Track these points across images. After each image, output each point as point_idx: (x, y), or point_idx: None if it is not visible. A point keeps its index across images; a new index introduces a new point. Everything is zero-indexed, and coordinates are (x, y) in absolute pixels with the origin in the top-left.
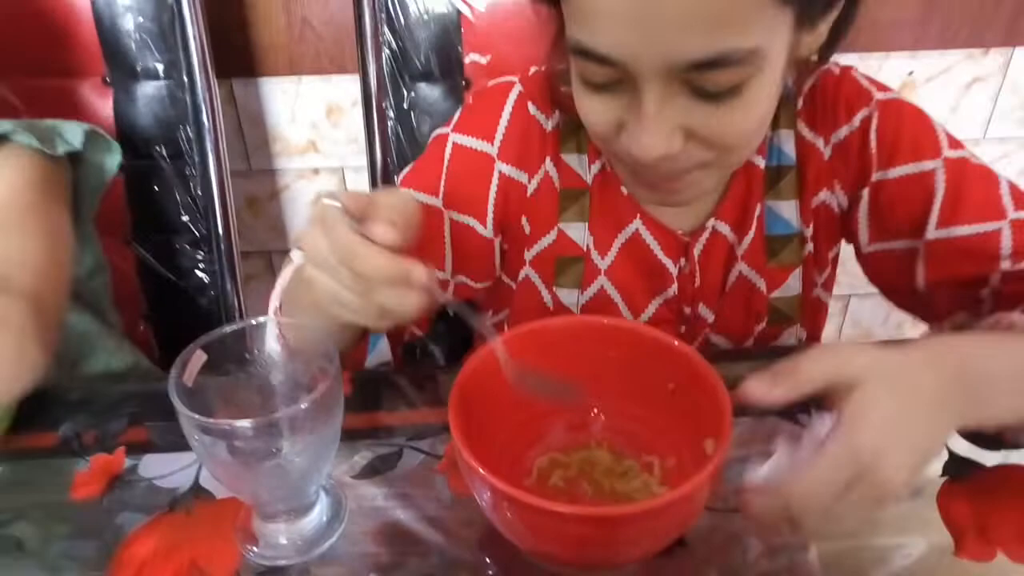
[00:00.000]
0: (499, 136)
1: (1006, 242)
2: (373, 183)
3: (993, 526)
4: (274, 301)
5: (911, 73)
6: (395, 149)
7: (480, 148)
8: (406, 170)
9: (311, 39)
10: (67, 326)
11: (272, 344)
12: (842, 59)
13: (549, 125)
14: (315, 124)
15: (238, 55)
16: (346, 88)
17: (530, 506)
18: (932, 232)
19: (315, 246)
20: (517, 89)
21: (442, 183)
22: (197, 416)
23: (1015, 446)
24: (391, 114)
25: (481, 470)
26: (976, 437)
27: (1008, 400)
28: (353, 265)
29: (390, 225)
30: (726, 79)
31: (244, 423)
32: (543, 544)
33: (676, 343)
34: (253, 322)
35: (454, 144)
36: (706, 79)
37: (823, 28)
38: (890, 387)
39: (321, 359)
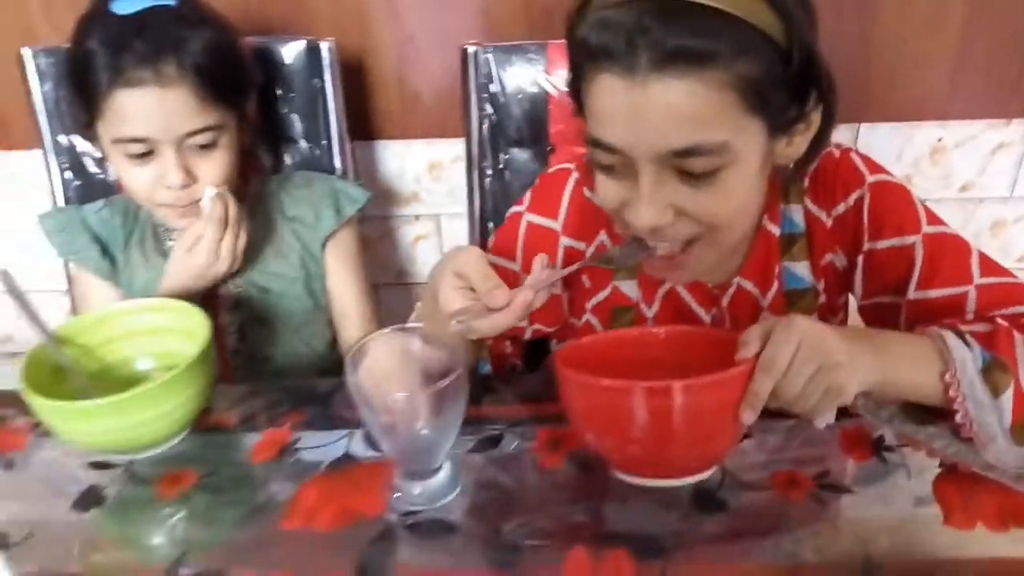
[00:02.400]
0: (561, 215)
1: (971, 304)
2: (472, 229)
3: (975, 505)
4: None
5: (940, 139)
6: (491, 202)
7: (547, 225)
8: (491, 239)
9: (420, 110)
10: None
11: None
12: (879, 128)
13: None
14: (418, 178)
15: (361, 123)
16: (445, 149)
17: (613, 387)
18: (912, 293)
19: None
20: (574, 176)
21: (519, 252)
22: (371, 392)
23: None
24: (489, 172)
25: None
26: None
27: (908, 371)
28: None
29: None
30: (703, 165)
31: (398, 395)
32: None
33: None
34: (402, 328)
35: (528, 222)
36: (688, 164)
37: (800, 141)
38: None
39: (450, 362)
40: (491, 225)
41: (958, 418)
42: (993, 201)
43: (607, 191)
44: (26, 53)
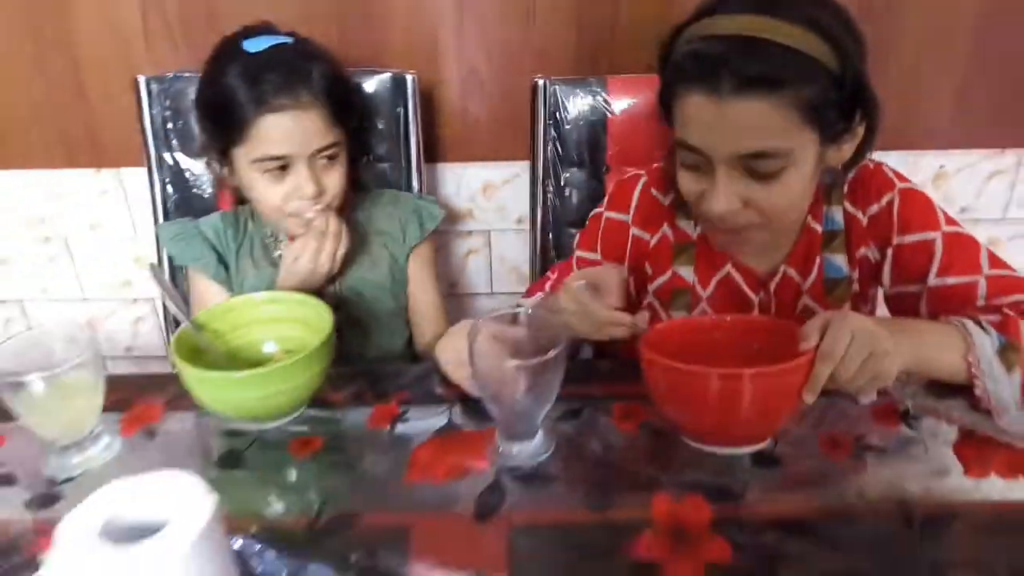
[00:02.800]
0: (632, 210)
1: (982, 290)
2: (533, 239)
3: (989, 459)
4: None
5: (942, 167)
6: (551, 216)
7: (621, 218)
8: (578, 238)
9: (478, 136)
10: None
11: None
12: (890, 156)
13: (666, 201)
14: (473, 197)
15: (426, 146)
16: (498, 171)
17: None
18: (932, 280)
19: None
20: (643, 179)
21: (599, 244)
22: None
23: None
24: (550, 190)
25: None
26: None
27: (937, 353)
28: (599, 319)
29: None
30: (768, 167)
31: (512, 362)
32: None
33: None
34: (516, 309)
35: (606, 219)
36: (756, 165)
37: (847, 149)
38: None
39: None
40: (550, 236)
41: (978, 392)
42: (989, 222)
43: (688, 184)
44: (140, 80)
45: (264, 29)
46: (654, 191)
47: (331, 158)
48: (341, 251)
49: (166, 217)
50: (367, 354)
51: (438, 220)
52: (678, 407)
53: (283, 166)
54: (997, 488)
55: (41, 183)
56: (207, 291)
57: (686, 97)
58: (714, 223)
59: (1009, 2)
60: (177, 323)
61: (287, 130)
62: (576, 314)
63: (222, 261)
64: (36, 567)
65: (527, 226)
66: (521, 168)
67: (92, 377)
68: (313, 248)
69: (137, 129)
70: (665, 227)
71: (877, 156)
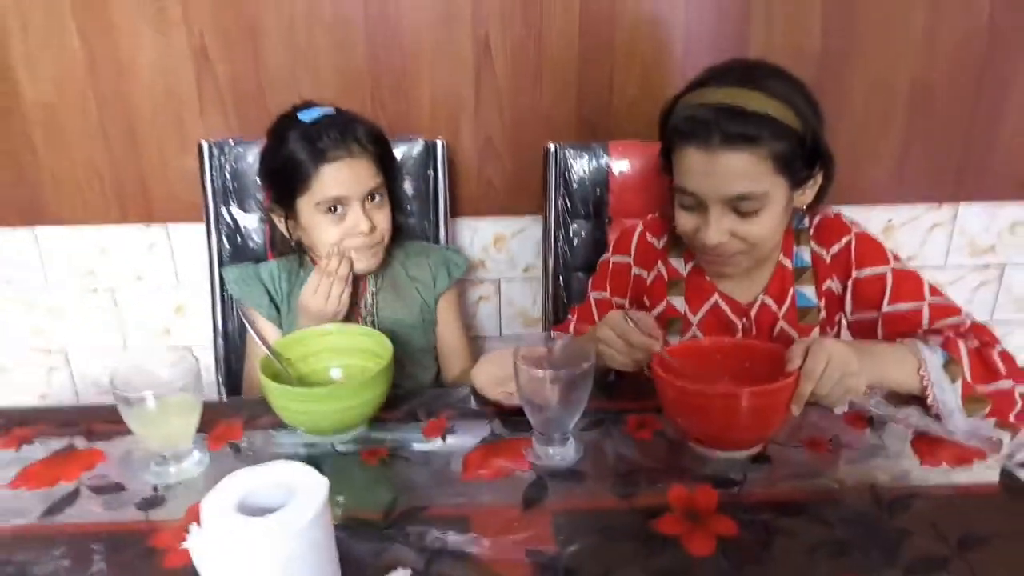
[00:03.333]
0: (632, 253)
1: (926, 315)
2: (545, 282)
3: (939, 452)
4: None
5: (890, 220)
6: (561, 262)
7: (623, 261)
8: (590, 282)
9: (491, 194)
10: None
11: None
12: (845, 208)
13: (659, 244)
14: (485, 248)
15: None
16: (508, 225)
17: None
18: (885, 307)
19: (609, 338)
20: (640, 228)
21: (607, 283)
22: (529, 369)
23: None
24: (561, 239)
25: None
26: None
27: (895, 370)
28: (631, 340)
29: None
30: (750, 206)
31: (548, 372)
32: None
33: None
34: (551, 341)
35: (612, 263)
36: (740, 205)
37: (810, 193)
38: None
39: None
40: (560, 279)
41: (929, 400)
42: (933, 268)
43: (686, 222)
44: (204, 144)
45: (311, 104)
46: (649, 236)
47: (379, 197)
48: (345, 294)
49: (220, 265)
50: (402, 385)
51: (463, 269)
52: (686, 418)
53: (339, 207)
54: (946, 474)
55: (94, 238)
56: (261, 328)
57: (684, 151)
58: (708, 252)
59: (936, 82)
60: (227, 362)
61: (343, 176)
62: (611, 341)
63: (274, 302)
64: (150, 556)
65: (534, 274)
66: (528, 222)
67: (192, 398)
68: (316, 285)
69: (186, 187)
70: (659, 265)
71: (834, 208)
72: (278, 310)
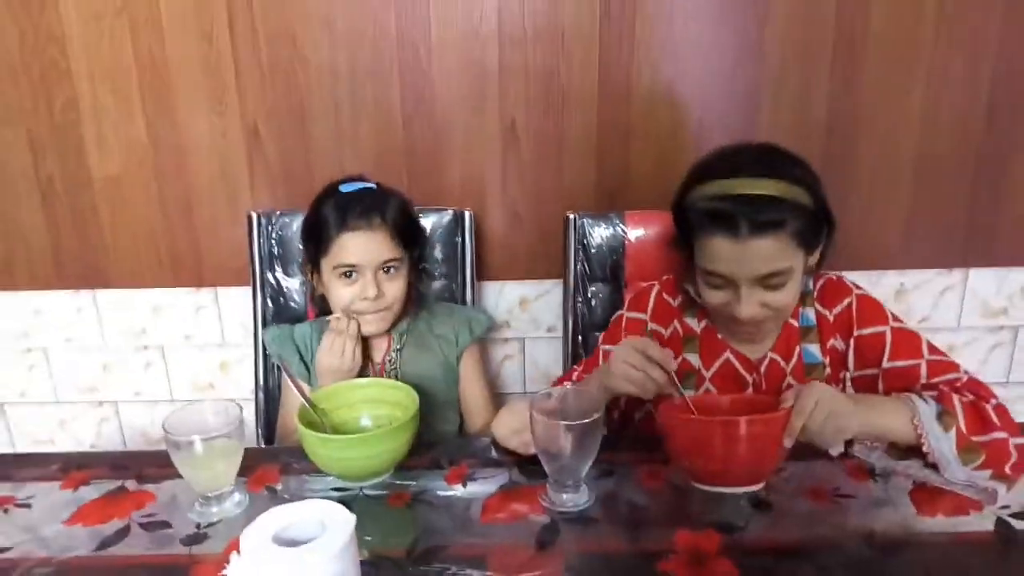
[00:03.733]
0: (649, 310)
1: (924, 371)
2: (565, 342)
3: (936, 503)
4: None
5: (902, 283)
6: (580, 322)
7: (639, 317)
8: (602, 337)
9: (515, 260)
10: None
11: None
12: (856, 275)
13: (675, 303)
14: (510, 310)
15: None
16: (532, 288)
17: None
18: (885, 363)
19: (628, 353)
20: (656, 287)
21: (623, 336)
22: (545, 419)
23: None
24: (580, 301)
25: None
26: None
27: (890, 420)
28: (650, 354)
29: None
30: (778, 281)
31: (562, 423)
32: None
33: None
34: (550, 390)
35: (627, 318)
36: (769, 281)
37: (816, 255)
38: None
39: (592, 410)
40: (580, 338)
41: (924, 448)
42: (946, 330)
43: (716, 298)
44: (252, 215)
45: (358, 178)
46: (665, 295)
47: (393, 270)
48: (357, 351)
49: (264, 325)
50: (427, 436)
51: (484, 327)
52: (690, 453)
53: (354, 273)
54: (941, 523)
55: (147, 299)
56: (290, 385)
57: (712, 240)
58: (738, 323)
59: (938, 155)
60: (267, 414)
61: (359, 245)
62: (629, 355)
63: (303, 361)
64: None
65: (556, 334)
66: (551, 285)
67: (235, 443)
68: (329, 343)
69: (234, 254)
70: (675, 322)
71: (846, 275)
72: (308, 368)
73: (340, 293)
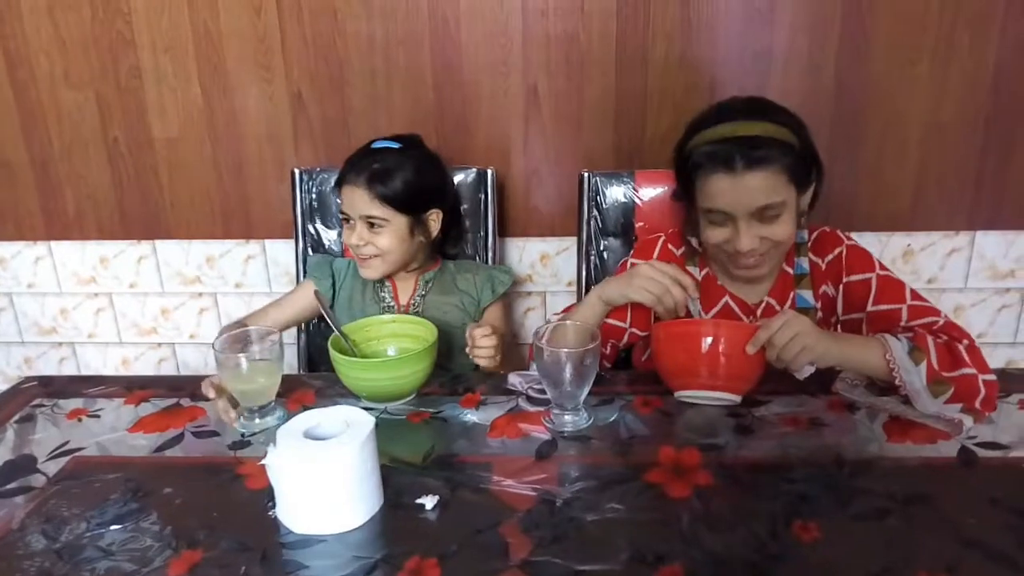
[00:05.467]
0: (655, 258)
1: (904, 314)
2: (579, 295)
3: (906, 431)
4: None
5: (909, 245)
6: (594, 276)
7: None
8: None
9: (536, 217)
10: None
11: None
12: (864, 236)
13: (677, 253)
14: (532, 265)
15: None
16: (553, 245)
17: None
18: (869, 307)
19: (655, 267)
20: (662, 238)
21: None
22: (549, 348)
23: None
24: (592, 256)
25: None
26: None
27: (863, 353)
28: (674, 274)
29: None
30: (772, 213)
31: (563, 350)
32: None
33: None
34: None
35: (631, 263)
36: (765, 212)
37: (807, 197)
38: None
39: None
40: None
41: (896, 381)
42: (953, 291)
43: (716, 235)
44: (295, 171)
45: (393, 138)
46: (670, 246)
47: (374, 225)
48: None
49: (305, 272)
50: (447, 369)
51: (507, 285)
52: (672, 353)
53: (352, 219)
54: (908, 449)
55: (200, 250)
56: (302, 295)
57: (711, 178)
58: (740, 258)
59: (946, 123)
60: (308, 350)
61: (347, 196)
62: (654, 276)
63: (334, 287)
64: (237, 480)
65: (575, 288)
66: (570, 242)
67: (276, 364)
68: None
69: (281, 208)
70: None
71: (856, 236)
72: (333, 295)
73: (345, 236)
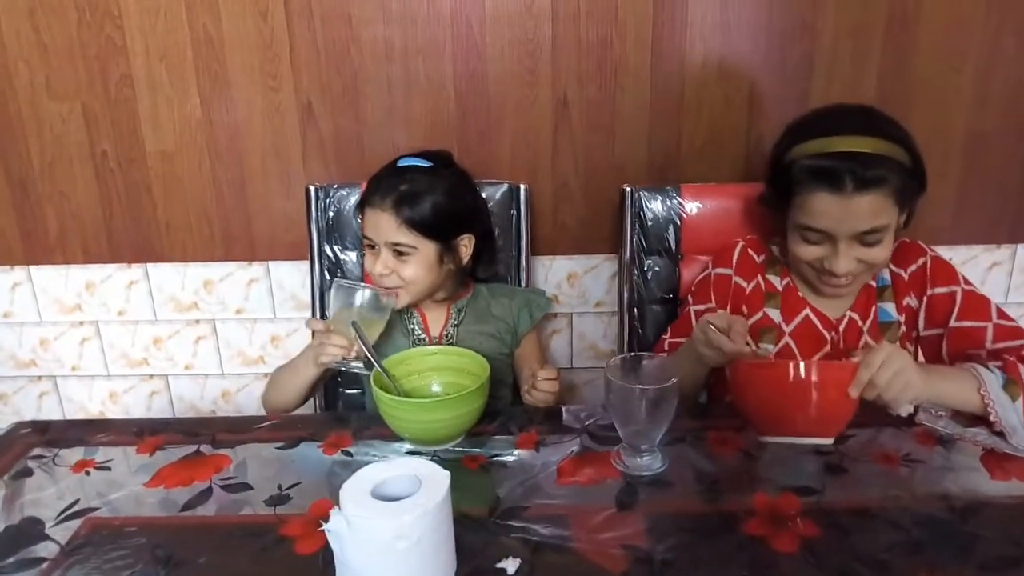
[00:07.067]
0: (734, 265)
1: (989, 334)
2: (620, 315)
3: (1008, 468)
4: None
5: (950, 258)
6: (636, 295)
7: (724, 272)
8: (691, 297)
9: (565, 234)
10: None
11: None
12: None
13: (758, 260)
14: (559, 285)
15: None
16: (581, 263)
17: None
18: (952, 323)
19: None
20: (741, 243)
21: (712, 296)
22: (621, 383)
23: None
24: (636, 275)
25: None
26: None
27: (956, 389)
28: (723, 348)
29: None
30: (875, 237)
31: (637, 386)
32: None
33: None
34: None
35: (714, 275)
36: (867, 238)
37: (903, 219)
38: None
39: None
40: (635, 311)
41: (991, 418)
42: None
43: (810, 253)
44: (311, 188)
45: (420, 154)
46: (750, 251)
47: (401, 254)
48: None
49: (322, 297)
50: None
51: (545, 310)
52: (761, 398)
53: (376, 246)
54: (1015, 487)
55: (198, 274)
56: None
57: (815, 196)
58: (831, 277)
59: (989, 131)
60: (324, 383)
61: (372, 221)
62: (706, 344)
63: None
64: (286, 545)
65: (604, 309)
66: (599, 260)
67: (381, 319)
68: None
69: (287, 228)
70: (759, 278)
71: None
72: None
73: (366, 263)
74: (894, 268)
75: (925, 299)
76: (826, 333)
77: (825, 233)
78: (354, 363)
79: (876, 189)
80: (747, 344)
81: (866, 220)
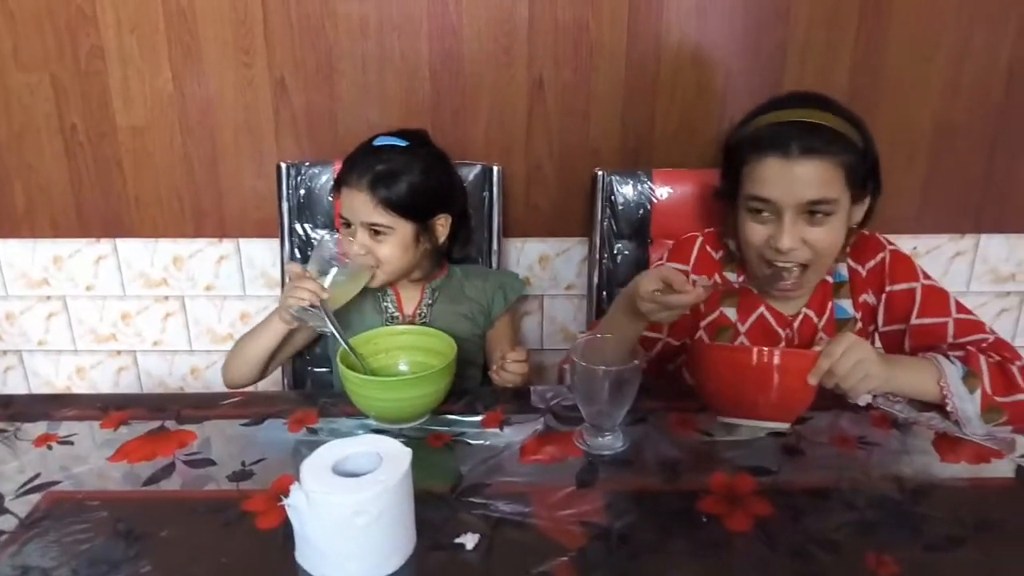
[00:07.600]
0: (692, 261)
1: (951, 330)
2: (589, 298)
3: (958, 451)
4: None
5: (915, 248)
6: (605, 279)
7: (682, 268)
8: None
9: (537, 217)
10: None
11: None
12: None
13: (716, 256)
14: (531, 267)
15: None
16: (553, 246)
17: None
18: (913, 320)
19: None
20: (700, 239)
21: None
22: (584, 365)
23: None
24: (606, 258)
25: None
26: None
27: (916, 379)
28: (683, 303)
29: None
30: (822, 210)
31: (601, 368)
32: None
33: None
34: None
35: (671, 268)
36: (813, 214)
37: (858, 213)
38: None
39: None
40: (604, 294)
41: (948, 408)
42: (955, 293)
43: (756, 232)
44: (282, 166)
45: (398, 134)
46: (708, 248)
47: (377, 233)
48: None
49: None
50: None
51: (519, 293)
52: (724, 380)
53: (352, 224)
54: (964, 469)
55: (167, 250)
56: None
57: (762, 161)
58: (778, 259)
59: (957, 123)
60: (292, 360)
61: (348, 200)
62: (654, 310)
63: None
64: (248, 520)
65: (575, 292)
66: (571, 243)
67: (357, 281)
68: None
69: (259, 204)
70: (716, 276)
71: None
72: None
73: (343, 241)
74: (852, 264)
75: (884, 296)
76: (781, 330)
77: (772, 204)
78: (316, 316)
79: (822, 157)
80: (695, 285)
81: (811, 188)
